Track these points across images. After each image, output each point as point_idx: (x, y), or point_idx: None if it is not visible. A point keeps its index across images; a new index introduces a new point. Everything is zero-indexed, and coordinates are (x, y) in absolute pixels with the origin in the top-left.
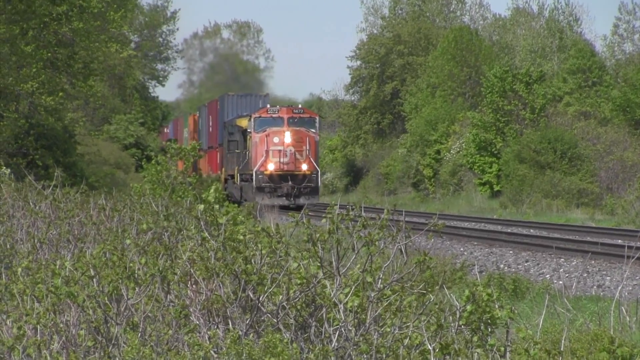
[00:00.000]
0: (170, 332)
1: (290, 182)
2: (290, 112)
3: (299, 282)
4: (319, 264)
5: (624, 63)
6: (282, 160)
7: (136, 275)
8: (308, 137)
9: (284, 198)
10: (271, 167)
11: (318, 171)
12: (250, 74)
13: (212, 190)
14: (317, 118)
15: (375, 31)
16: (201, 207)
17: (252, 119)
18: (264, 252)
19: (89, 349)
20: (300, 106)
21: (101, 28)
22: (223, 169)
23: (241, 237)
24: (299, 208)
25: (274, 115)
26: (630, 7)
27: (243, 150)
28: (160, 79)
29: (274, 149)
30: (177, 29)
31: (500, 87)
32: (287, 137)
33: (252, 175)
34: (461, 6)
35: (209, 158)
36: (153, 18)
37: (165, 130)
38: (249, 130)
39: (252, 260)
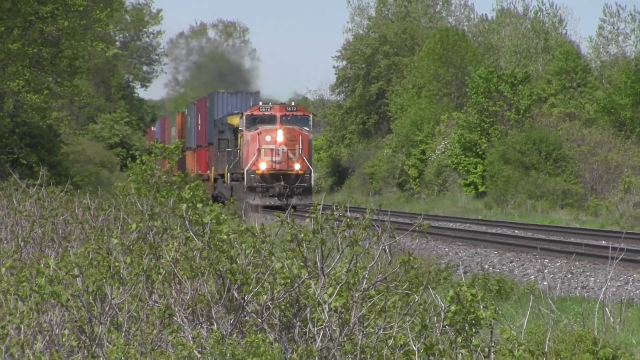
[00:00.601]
0: (154, 331)
1: (282, 182)
2: (283, 109)
3: (283, 282)
4: (302, 264)
5: (609, 65)
6: (274, 159)
7: (121, 274)
8: (301, 135)
9: (276, 198)
10: (263, 166)
11: (311, 171)
12: (235, 74)
13: (187, 189)
14: (311, 116)
15: (361, 31)
16: (184, 206)
17: (244, 117)
18: (248, 251)
19: (73, 348)
20: (293, 104)
21: (86, 27)
22: (213, 168)
23: (225, 237)
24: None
25: (266, 113)
26: (614, 9)
27: (234, 148)
28: (146, 83)
29: (266, 148)
30: (164, 31)
31: (486, 87)
32: (280, 136)
33: (243, 174)
34: (446, 7)
35: (197, 157)
36: (137, 17)
37: (152, 129)
38: (240, 128)
39: (237, 260)
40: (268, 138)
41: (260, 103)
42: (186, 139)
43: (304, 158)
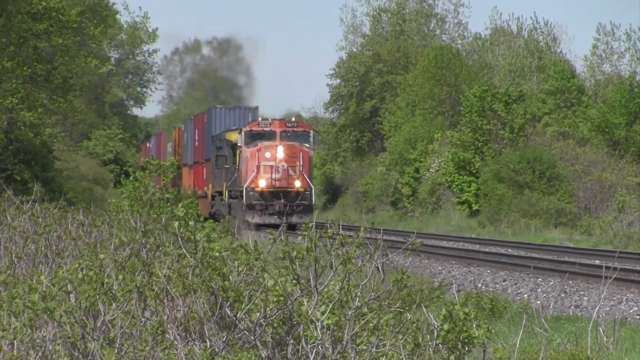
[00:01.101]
0: (147, 348)
1: (282, 200)
2: (283, 125)
3: (275, 299)
4: (295, 282)
5: (603, 84)
6: (274, 176)
7: (113, 291)
8: (302, 152)
9: (276, 216)
10: (262, 183)
11: (312, 188)
12: (229, 91)
13: (180, 206)
14: (312, 132)
15: (354, 49)
16: (176, 223)
17: (243, 133)
18: (240, 269)
19: None
20: (293, 119)
21: (80, 43)
22: (210, 185)
23: (217, 254)
24: (291, 227)
25: (265, 129)
26: (608, 27)
27: (232, 165)
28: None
29: (265, 165)
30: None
31: (480, 106)
32: (280, 152)
33: (242, 192)
34: (440, 25)
35: (194, 174)
36: (133, 36)
37: (148, 145)
38: (239, 144)
39: (229, 277)
40: (268, 154)
41: (260, 119)
42: (183, 155)
43: (305, 175)
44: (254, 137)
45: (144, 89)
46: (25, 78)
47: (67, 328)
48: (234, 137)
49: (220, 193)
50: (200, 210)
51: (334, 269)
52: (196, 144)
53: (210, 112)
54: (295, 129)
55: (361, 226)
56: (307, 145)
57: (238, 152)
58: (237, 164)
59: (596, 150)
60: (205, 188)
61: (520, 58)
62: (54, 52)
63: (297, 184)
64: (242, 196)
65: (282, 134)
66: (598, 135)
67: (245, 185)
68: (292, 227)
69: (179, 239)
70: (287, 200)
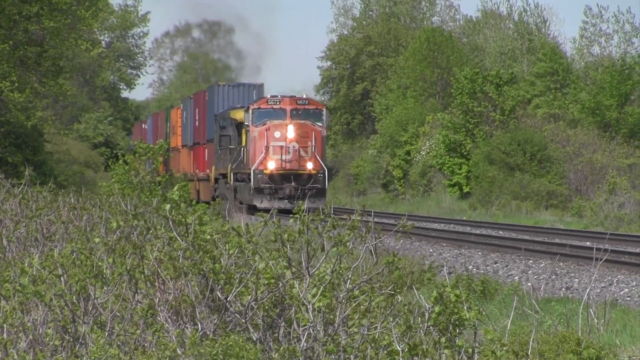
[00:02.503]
0: (137, 331)
1: (293, 183)
2: (294, 102)
3: (267, 282)
4: (286, 264)
5: (593, 66)
6: (284, 157)
7: (104, 274)
8: (314, 131)
9: (286, 201)
10: (272, 165)
11: (325, 170)
12: (220, 73)
13: (175, 189)
14: (324, 110)
15: (345, 32)
16: (167, 206)
17: (250, 111)
18: (231, 251)
19: (56, 348)
20: (305, 96)
21: (71, 26)
22: (213, 168)
23: (208, 237)
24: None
25: (275, 107)
26: (595, 10)
27: (237, 146)
28: (132, 84)
29: (275, 145)
30: (148, 32)
31: (471, 88)
32: (290, 132)
33: (249, 174)
34: (431, 8)
35: (195, 155)
36: (124, 19)
37: (143, 126)
38: (246, 123)
39: (221, 260)
40: (277, 134)
41: (269, 95)
42: (182, 136)
43: (317, 156)
44: (262, 116)
45: (135, 72)
46: (16, 61)
47: (57, 311)
48: (239, 115)
49: (225, 175)
50: (201, 194)
51: (326, 252)
52: (196, 123)
53: (212, 89)
54: (306, 107)
55: (353, 209)
56: (320, 124)
57: (244, 131)
58: (243, 144)
59: (587, 132)
60: (208, 170)
61: (510, 40)
62: (45, 35)
63: (309, 165)
64: (249, 179)
65: (293, 112)
66: (589, 117)
67: (253, 168)
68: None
69: (170, 222)
70: (298, 184)
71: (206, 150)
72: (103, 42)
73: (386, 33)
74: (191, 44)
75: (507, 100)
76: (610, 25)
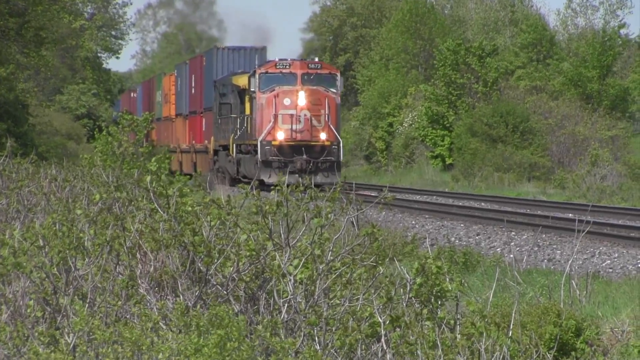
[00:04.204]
0: (119, 303)
1: (304, 156)
2: (305, 66)
3: (248, 254)
4: (267, 236)
5: (577, 37)
6: (294, 127)
7: (85, 245)
8: (327, 98)
9: (297, 175)
10: (281, 135)
11: (340, 141)
12: (204, 45)
13: (153, 161)
14: (339, 75)
15: (328, 3)
16: (148, 178)
17: (257, 76)
18: (213, 223)
19: (38, 319)
20: (317, 59)
21: None
22: (212, 139)
23: (189, 209)
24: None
25: (284, 71)
26: None
27: (240, 114)
28: (116, 53)
29: (284, 113)
30: (131, 3)
31: (453, 60)
32: (301, 99)
33: (255, 146)
34: None
35: (190, 125)
36: None
37: (132, 95)
38: (252, 89)
39: (202, 232)
40: (287, 101)
41: (277, 59)
42: (176, 104)
43: (331, 126)
44: (270, 81)
45: (118, 40)
46: None
47: (38, 283)
48: (242, 81)
49: (226, 147)
50: (198, 167)
51: (306, 224)
52: (193, 91)
53: (210, 54)
54: (319, 71)
55: (338, 182)
56: (334, 91)
57: (247, 98)
58: (247, 112)
59: (569, 104)
60: (206, 141)
61: (493, 12)
62: (26, 5)
63: (322, 136)
64: (255, 151)
65: (304, 76)
66: (571, 89)
67: (260, 138)
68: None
69: (151, 194)
70: (310, 156)
71: (204, 120)
72: (86, 13)
73: (369, 4)
74: (173, 15)
75: (490, 72)
76: None
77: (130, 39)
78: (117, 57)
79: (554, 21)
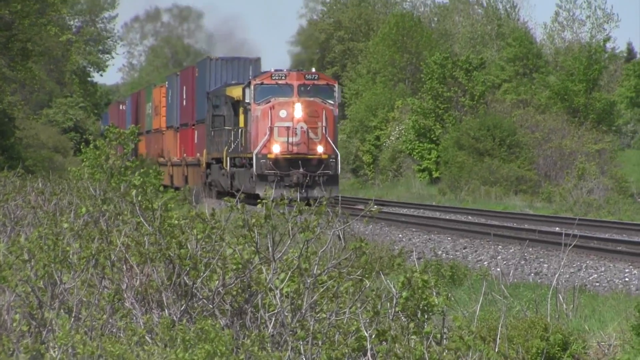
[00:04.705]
0: (104, 316)
1: (301, 169)
2: (302, 77)
3: (234, 267)
4: (254, 250)
5: (563, 51)
6: (290, 140)
7: (70, 259)
8: (325, 110)
9: (293, 189)
10: (277, 149)
11: (337, 155)
12: (192, 58)
13: (137, 175)
14: (336, 86)
15: (315, 17)
16: (133, 191)
17: (252, 87)
18: (199, 237)
19: (24, 333)
20: (314, 70)
21: (40, 11)
22: (204, 151)
23: (175, 222)
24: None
25: (280, 82)
26: None
27: (234, 127)
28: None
29: (280, 126)
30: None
31: (440, 73)
32: (298, 111)
33: (250, 159)
34: None
35: (182, 138)
36: (93, 3)
37: (121, 107)
38: (247, 100)
39: (187, 245)
40: (283, 113)
41: (273, 69)
42: (167, 117)
43: (329, 139)
44: (265, 92)
45: (105, 55)
46: None
47: (23, 297)
48: (236, 92)
49: (219, 160)
50: (190, 180)
51: (291, 237)
52: (184, 103)
53: (203, 64)
54: (316, 82)
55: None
56: (331, 102)
57: (242, 110)
58: (242, 125)
59: (556, 118)
60: (198, 154)
61: (480, 25)
62: (13, 19)
63: (320, 149)
64: (250, 164)
65: (301, 88)
66: (557, 103)
67: (255, 151)
68: (308, 204)
69: (137, 208)
70: (307, 170)
71: (196, 132)
72: (73, 27)
73: (357, 18)
74: (160, 29)
75: (477, 86)
76: (582, 11)
77: (117, 54)
78: (102, 75)
79: (541, 35)
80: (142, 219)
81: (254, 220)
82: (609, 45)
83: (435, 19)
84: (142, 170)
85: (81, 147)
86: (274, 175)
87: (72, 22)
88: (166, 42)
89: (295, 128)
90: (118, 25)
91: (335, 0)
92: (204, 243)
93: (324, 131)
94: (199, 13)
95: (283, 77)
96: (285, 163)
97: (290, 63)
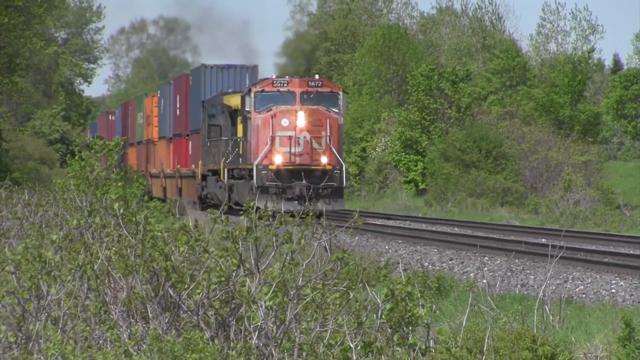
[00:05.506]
0: (87, 328)
1: (304, 181)
2: (305, 84)
3: (218, 279)
4: (237, 261)
5: (549, 63)
6: (293, 150)
7: (54, 271)
8: (329, 118)
9: (296, 202)
10: (278, 159)
11: (342, 165)
12: (178, 70)
13: (112, 188)
14: (341, 93)
15: (301, 29)
16: (116, 204)
17: (252, 94)
18: (182, 249)
19: (10, 344)
20: (317, 77)
21: (25, 23)
22: (200, 163)
23: (159, 234)
24: (315, 216)
25: (282, 89)
26: (554, 7)
27: (232, 137)
28: (88, 78)
29: (282, 135)
30: (104, 27)
31: (427, 85)
32: (301, 119)
33: (250, 170)
34: (388, 4)
35: (175, 148)
36: (80, 16)
37: (110, 117)
38: (246, 109)
39: (171, 258)
40: (285, 122)
41: (274, 76)
42: (159, 127)
43: (333, 149)
44: (266, 100)
45: (92, 66)
46: None
47: (8, 309)
48: (234, 101)
49: (215, 172)
50: (184, 193)
51: (274, 249)
52: (178, 112)
53: (197, 72)
54: (320, 89)
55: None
56: (336, 110)
57: (240, 119)
58: (240, 134)
59: (542, 129)
60: (193, 166)
61: (466, 37)
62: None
63: (324, 160)
64: (250, 176)
65: (304, 95)
66: (543, 115)
67: (256, 162)
68: (316, 216)
69: (120, 220)
70: (310, 182)
71: (190, 143)
72: (59, 38)
73: (343, 29)
74: (146, 41)
75: (463, 98)
76: (567, 22)
77: (104, 64)
78: (89, 85)
79: (527, 46)
80: (125, 230)
81: (237, 232)
82: (595, 55)
83: (421, 31)
84: (121, 183)
85: (67, 159)
86: (275, 188)
87: (58, 34)
88: (151, 54)
89: (298, 137)
90: (105, 37)
91: (322, 11)
92: (187, 255)
93: (328, 141)
94: (185, 25)
95: (285, 84)
96: (288, 174)
97: (276, 74)
